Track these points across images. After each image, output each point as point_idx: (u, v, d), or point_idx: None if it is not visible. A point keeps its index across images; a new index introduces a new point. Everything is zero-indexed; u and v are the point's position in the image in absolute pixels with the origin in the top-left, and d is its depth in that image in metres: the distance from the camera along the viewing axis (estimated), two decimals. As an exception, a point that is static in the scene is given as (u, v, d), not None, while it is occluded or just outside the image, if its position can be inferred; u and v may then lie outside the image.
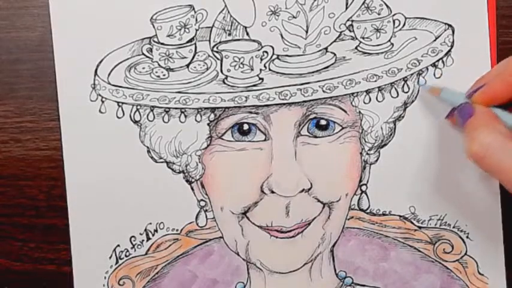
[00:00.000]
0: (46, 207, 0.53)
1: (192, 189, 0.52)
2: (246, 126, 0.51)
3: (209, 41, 0.50)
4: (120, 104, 0.51)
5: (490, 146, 0.42)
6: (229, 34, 0.50)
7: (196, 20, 0.50)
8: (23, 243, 0.53)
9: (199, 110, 0.50)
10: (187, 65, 0.51)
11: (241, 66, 0.50)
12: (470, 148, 0.43)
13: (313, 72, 0.50)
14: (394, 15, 0.50)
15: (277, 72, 0.50)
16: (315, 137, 0.51)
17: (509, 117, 0.45)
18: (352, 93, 0.50)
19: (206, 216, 0.52)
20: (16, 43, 0.52)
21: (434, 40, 0.50)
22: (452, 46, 0.50)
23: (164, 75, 0.51)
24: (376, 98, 0.50)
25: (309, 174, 0.51)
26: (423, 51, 0.50)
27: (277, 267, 0.52)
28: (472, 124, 0.44)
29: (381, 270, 0.52)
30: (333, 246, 0.52)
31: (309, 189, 0.51)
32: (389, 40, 0.50)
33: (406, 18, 0.50)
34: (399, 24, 0.50)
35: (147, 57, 0.51)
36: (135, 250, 0.52)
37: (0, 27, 0.52)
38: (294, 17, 0.50)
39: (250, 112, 0.50)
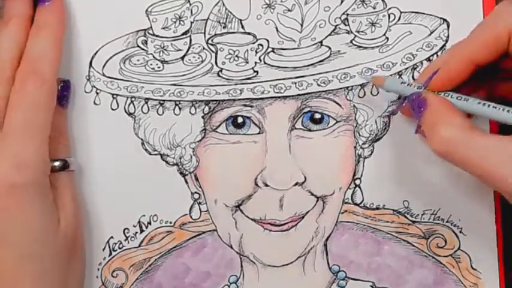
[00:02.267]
0: (46, 207, 0.52)
1: (186, 181, 0.51)
2: (240, 119, 0.50)
3: (204, 33, 0.50)
4: (114, 96, 0.51)
5: (450, 141, 0.41)
6: (225, 27, 0.50)
7: (191, 12, 0.50)
8: (23, 243, 0.53)
9: (194, 102, 0.50)
10: (182, 58, 0.51)
11: (236, 59, 0.50)
12: (431, 145, 0.42)
13: (308, 65, 0.50)
14: (389, 9, 0.50)
15: (272, 66, 0.50)
16: (309, 130, 0.51)
17: (462, 100, 0.44)
18: (347, 87, 0.50)
19: (200, 209, 0.52)
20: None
21: (430, 34, 0.50)
22: (447, 41, 0.50)
23: (159, 67, 0.51)
24: (371, 92, 0.50)
25: (302, 167, 0.50)
26: (418, 46, 0.50)
27: (271, 260, 0.52)
28: (429, 119, 0.44)
29: (374, 265, 0.52)
30: (327, 240, 0.52)
31: (303, 182, 0.51)
32: (384, 34, 0.50)
33: (401, 12, 0.50)
34: (394, 18, 0.50)
35: (142, 49, 0.51)
36: (128, 242, 0.52)
37: (0, 27, 0.52)
38: (289, 10, 0.50)
39: (245, 105, 0.50)
